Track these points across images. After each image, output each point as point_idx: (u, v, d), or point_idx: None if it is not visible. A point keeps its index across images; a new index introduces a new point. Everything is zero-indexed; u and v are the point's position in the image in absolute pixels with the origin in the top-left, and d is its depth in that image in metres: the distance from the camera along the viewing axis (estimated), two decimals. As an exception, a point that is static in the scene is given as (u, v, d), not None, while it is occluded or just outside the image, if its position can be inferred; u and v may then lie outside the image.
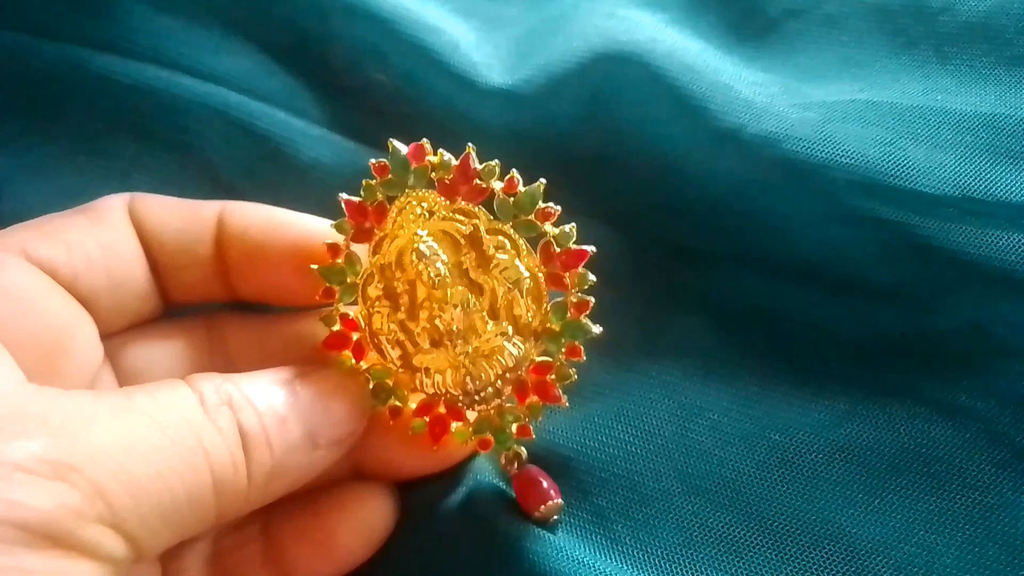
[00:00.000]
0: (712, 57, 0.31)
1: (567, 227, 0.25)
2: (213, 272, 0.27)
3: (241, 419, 0.22)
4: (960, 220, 0.27)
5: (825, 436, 0.27)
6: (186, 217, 0.27)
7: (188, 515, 0.20)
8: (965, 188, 0.27)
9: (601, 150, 0.31)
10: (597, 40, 0.31)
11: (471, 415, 0.27)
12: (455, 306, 0.25)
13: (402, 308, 0.26)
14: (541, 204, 0.25)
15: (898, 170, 0.27)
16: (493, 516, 0.27)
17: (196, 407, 0.21)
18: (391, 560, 0.27)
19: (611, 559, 0.26)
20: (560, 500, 0.27)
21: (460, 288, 0.26)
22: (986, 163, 0.27)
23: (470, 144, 0.25)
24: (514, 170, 0.25)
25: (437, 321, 0.26)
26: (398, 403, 0.27)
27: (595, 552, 0.26)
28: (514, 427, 0.27)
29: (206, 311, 0.29)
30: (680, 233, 0.31)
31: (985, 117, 0.27)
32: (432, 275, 0.25)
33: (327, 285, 0.27)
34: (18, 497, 0.17)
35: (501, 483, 0.28)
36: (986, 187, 0.26)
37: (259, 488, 0.22)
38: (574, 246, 0.25)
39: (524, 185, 0.25)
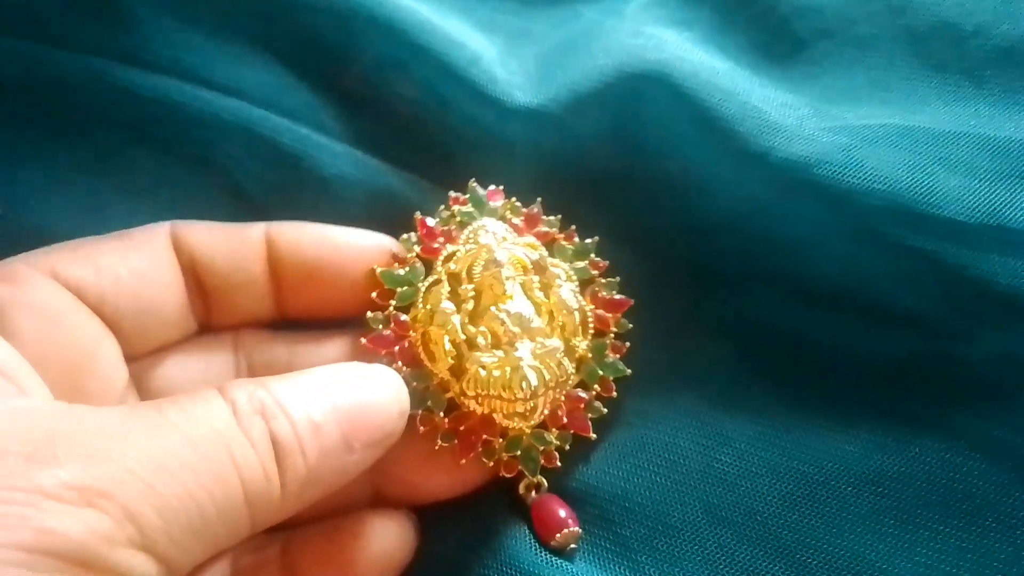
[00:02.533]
0: (740, 77, 0.30)
1: (614, 279, 0.29)
2: (265, 292, 0.28)
3: (274, 428, 0.21)
4: (993, 249, 0.26)
5: (854, 468, 0.26)
6: (234, 240, 0.28)
7: (221, 530, 0.20)
8: (999, 216, 0.26)
9: (625, 170, 0.31)
10: (623, 58, 0.31)
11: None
12: (519, 315, 0.27)
13: (465, 313, 0.28)
14: (593, 256, 0.29)
15: (930, 197, 0.26)
16: (510, 545, 0.27)
17: (228, 419, 0.21)
18: None
19: None
20: (578, 528, 0.27)
21: (525, 299, 0.28)
22: (1021, 191, 0.26)
23: (539, 199, 0.30)
24: (573, 226, 0.30)
25: (499, 328, 0.27)
26: (432, 408, 0.27)
27: None
28: (540, 458, 0.28)
29: (232, 331, 0.29)
30: (705, 256, 0.30)
31: (1021, 143, 0.27)
32: (503, 280, 0.27)
33: (384, 287, 0.28)
34: (47, 524, 0.17)
35: (518, 512, 0.28)
36: (1020, 215, 0.26)
37: (293, 496, 0.22)
38: (617, 295, 0.29)
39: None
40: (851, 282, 0.28)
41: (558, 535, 0.26)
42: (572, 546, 0.26)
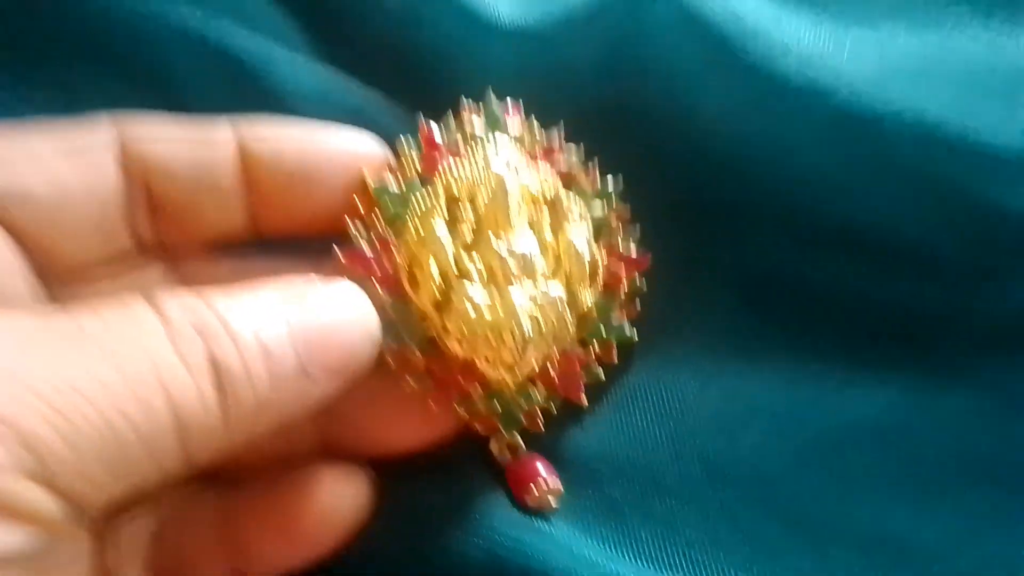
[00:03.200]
0: (753, -4, 0.28)
1: (634, 231, 0.27)
2: (235, 205, 0.25)
3: (215, 348, 0.18)
4: None
5: (873, 425, 0.24)
6: (196, 142, 0.24)
7: (144, 464, 0.18)
8: None
9: (623, 100, 0.28)
10: (623, -26, 0.28)
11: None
12: (522, 254, 0.24)
13: (461, 241, 0.25)
14: (616, 200, 0.27)
15: (965, 124, 0.24)
16: (482, 506, 0.24)
17: (158, 334, 0.18)
18: (363, 553, 0.24)
19: (624, 557, 0.23)
20: (559, 484, 0.24)
21: (532, 237, 0.25)
22: None
23: (562, 123, 0.26)
24: (596, 163, 0.27)
25: (497, 264, 0.24)
26: (407, 343, 0.25)
27: (606, 549, 0.23)
28: (522, 418, 0.25)
29: (170, 249, 0.26)
30: (708, 194, 0.27)
31: None
32: (509, 210, 0.24)
33: (372, 199, 0.25)
34: None
35: (492, 472, 0.25)
36: None
37: (237, 428, 0.19)
38: (636, 251, 0.26)
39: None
40: (875, 221, 0.26)
41: (535, 491, 0.24)
42: (553, 504, 0.24)
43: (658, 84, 0.28)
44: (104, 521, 0.23)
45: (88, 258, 0.24)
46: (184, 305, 0.19)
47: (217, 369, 0.18)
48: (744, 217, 0.27)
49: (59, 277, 0.24)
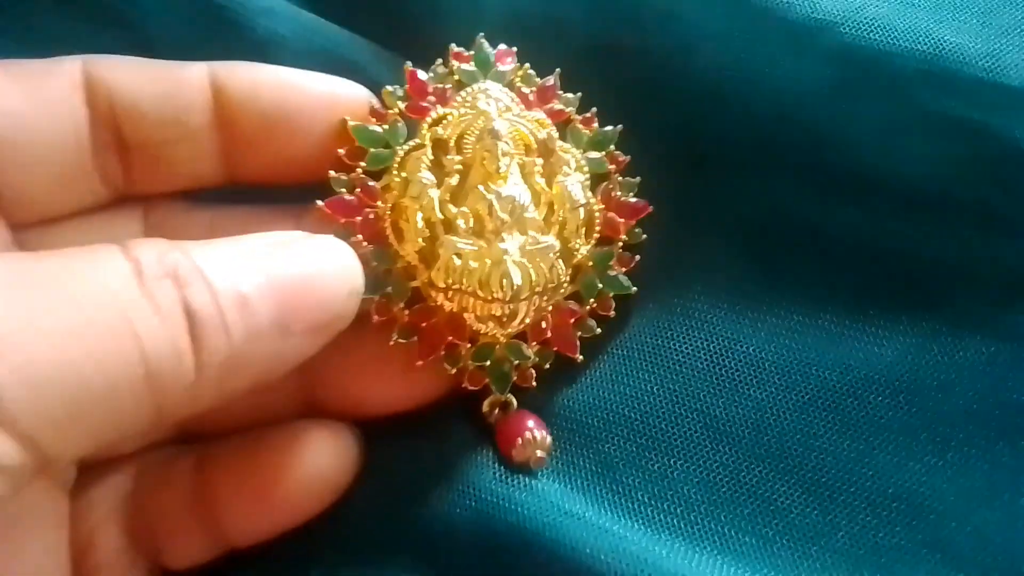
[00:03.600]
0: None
1: (633, 180, 0.25)
2: (208, 149, 0.24)
3: (189, 296, 0.17)
4: None
5: (885, 375, 0.23)
6: (167, 82, 0.23)
7: (113, 413, 0.17)
8: None
9: (618, 39, 0.27)
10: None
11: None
12: (511, 200, 0.23)
13: (447, 189, 0.24)
14: (613, 148, 0.25)
15: (982, 61, 0.23)
16: (470, 467, 0.23)
17: (128, 279, 0.17)
18: (344, 518, 0.23)
19: (619, 516, 0.22)
20: (546, 437, 0.23)
21: (523, 184, 0.24)
22: None
23: (558, 69, 0.25)
24: (595, 108, 0.25)
25: (485, 212, 0.23)
26: (391, 296, 0.23)
27: (599, 507, 0.22)
28: (513, 374, 0.24)
29: (143, 200, 0.24)
30: (707, 137, 0.26)
31: None
32: (499, 156, 0.23)
33: (355, 145, 0.24)
34: None
35: (482, 432, 0.24)
36: None
37: (212, 382, 0.18)
38: (634, 199, 0.25)
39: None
40: (885, 165, 0.24)
41: (519, 440, 0.23)
42: (539, 454, 0.23)
43: (654, 22, 0.26)
44: (80, 480, 0.22)
45: (62, 208, 0.23)
46: (157, 250, 0.18)
47: (191, 317, 0.17)
48: (748, 162, 0.26)
49: (33, 228, 0.23)
